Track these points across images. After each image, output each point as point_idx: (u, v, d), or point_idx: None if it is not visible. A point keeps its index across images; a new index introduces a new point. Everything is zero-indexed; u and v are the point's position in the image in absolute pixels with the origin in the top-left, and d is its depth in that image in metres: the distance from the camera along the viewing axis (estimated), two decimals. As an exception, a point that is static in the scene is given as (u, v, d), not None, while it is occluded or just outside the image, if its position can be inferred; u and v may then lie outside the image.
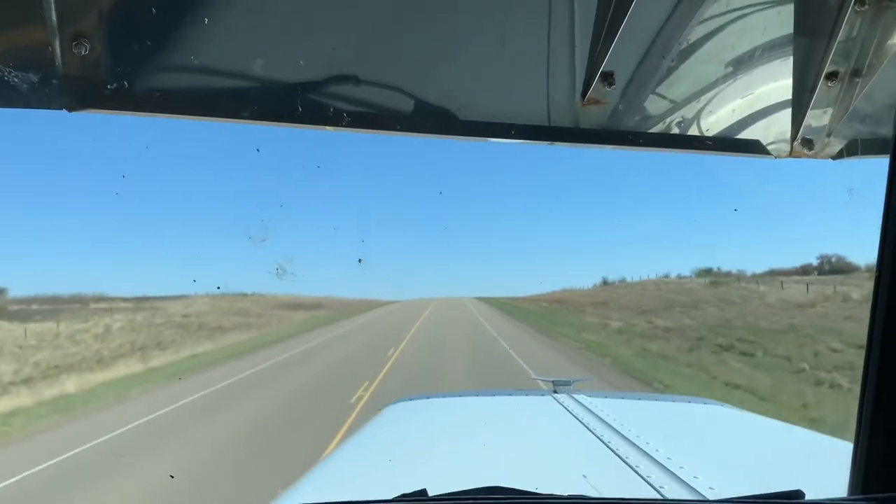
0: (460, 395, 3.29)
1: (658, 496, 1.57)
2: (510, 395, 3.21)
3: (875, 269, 0.68)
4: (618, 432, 2.20)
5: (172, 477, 8.03)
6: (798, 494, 1.02)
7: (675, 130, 1.12)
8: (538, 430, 2.53)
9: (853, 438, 1.04)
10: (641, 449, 1.97)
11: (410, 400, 3.21)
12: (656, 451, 1.93)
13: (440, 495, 1.16)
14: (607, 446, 2.05)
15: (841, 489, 1.17)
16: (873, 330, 0.65)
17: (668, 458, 1.85)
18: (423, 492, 1.12)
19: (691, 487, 1.60)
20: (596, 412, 2.55)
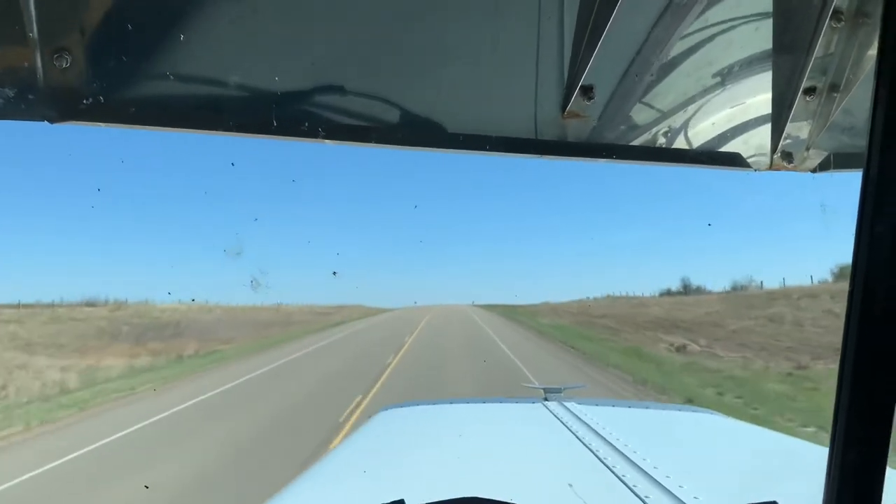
0: (450, 403, 3.29)
1: None
2: (500, 402, 3.21)
3: (849, 279, 0.69)
4: (606, 440, 2.21)
5: None
6: None
7: (656, 144, 1.13)
8: (526, 437, 2.53)
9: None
10: (628, 458, 1.98)
11: (399, 407, 3.21)
12: (643, 459, 1.94)
13: None
14: (595, 455, 2.05)
15: (818, 499, 1.18)
16: (847, 339, 0.67)
17: (655, 468, 1.85)
18: (401, 502, 1.13)
19: (676, 497, 1.61)
20: (585, 420, 2.55)
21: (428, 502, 1.19)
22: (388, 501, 1.16)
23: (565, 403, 2.99)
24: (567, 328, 36.22)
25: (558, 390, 3.33)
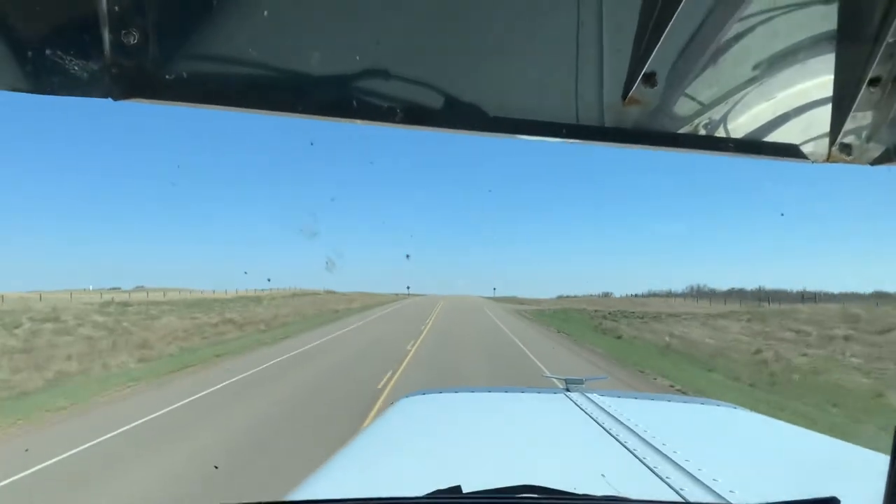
0: (472, 391, 3.29)
1: (679, 499, 1.56)
2: (523, 391, 3.21)
3: None
4: (633, 432, 2.20)
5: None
6: (833, 501, 1.01)
7: (712, 132, 1.11)
8: (552, 427, 2.53)
9: (889, 450, 1.04)
10: (658, 449, 1.97)
11: (423, 394, 3.21)
12: (674, 452, 1.93)
13: (476, 492, 1.16)
14: (624, 446, 2.04)
15: (871, 500, 1.16)
16: None
17: (687, 460, 1.84)
18: (458, 489, 1.13)
19: (712, 490, 1.60)
20: (610, 411, 2.54)
21: (485, 489, 1.19)
22: (444, 487, 1.16)
23: (588, 394, 2.98)
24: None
25: (580, 381, 3.31)
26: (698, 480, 1.67)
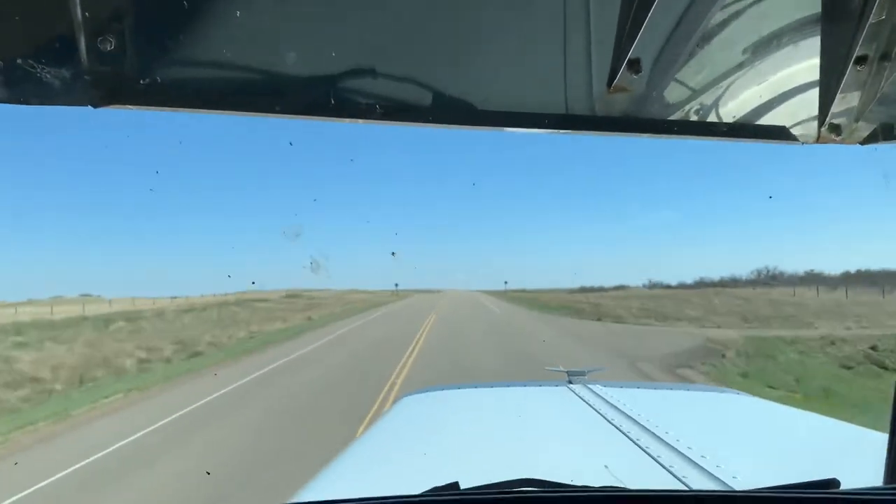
0: (474, 387, 3.29)
1: (682, 486, 1.56)
2: (524, 385, 3.21)
3: None
4: (636, 422, 2.19)
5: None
6: (833, 483, 1.01)
7: (701, 117, 1.10)
8: (555, 420, 2.53)
9: (888, 429, 1.03)
10: (661, 439, 1.97)
11: (424, 392, 3.21)
12: (676, 440, 1.93)
13: (473, 488, 1.16)
14: (627, 436, 2.04)
15: (870, 479, 1.15)
16: None
17: (689, 448, 1.84)
18: (455, 485, 1.12)
19: (715, 477, 1.60)
20: (612, 402, 2.54)
21: (483, 485, 1.18)
22: (442, 485, 1.16)
23: (590, 386, 2.98)
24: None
25: (582, 373, 3.31)
26: (701, 468, 1.67)
